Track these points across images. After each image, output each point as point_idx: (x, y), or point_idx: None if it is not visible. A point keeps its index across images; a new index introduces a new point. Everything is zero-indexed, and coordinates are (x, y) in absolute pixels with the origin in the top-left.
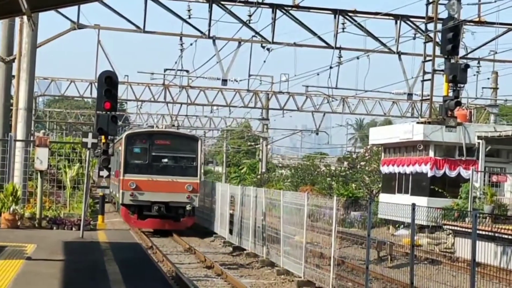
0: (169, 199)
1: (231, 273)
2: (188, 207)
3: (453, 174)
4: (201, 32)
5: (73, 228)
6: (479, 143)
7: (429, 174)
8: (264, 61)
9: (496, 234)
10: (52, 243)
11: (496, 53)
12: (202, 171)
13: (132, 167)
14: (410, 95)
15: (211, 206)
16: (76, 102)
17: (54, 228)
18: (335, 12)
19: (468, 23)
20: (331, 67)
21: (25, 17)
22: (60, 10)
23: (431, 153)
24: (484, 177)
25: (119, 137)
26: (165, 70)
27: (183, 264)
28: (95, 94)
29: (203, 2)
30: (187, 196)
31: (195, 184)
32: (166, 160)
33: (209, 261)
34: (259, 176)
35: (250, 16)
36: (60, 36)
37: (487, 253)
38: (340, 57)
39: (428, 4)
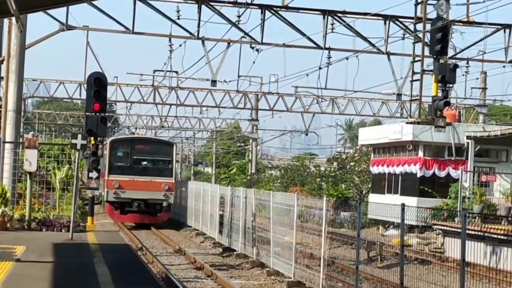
0: (148, 196)
1: (221, 274)
2: (164, 204)
3: (442, 174)
4: (190, 33)
5: (63, 230)
6: (468, 143)
7: (419, 174)
8: (254, 62)
9: (486, 234)
10: (41, 245)
11: (485, 53)
12: (179, 171)
13: (116, 169)
14: (399, 95)
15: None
16: (65, 104)
17: (44, 230)
18: (324, 12)
19: (457, 23)
20: (320, 68)
21: (13, 19)
22: (48, 11)
23: (421, 153)
24: (473, 177)
25: (104, 142)
26: (154, 71)
27: (173, 265)
28: (84, 96)
29: (192, 3)
30: (164, 194)
31: (171, 184)
32: (145, 162)
33: (199, 262)
34: (248, 177)
35: (239, 17)
36: (49, 38)
37: (477, 252)
38: (329, 57)
39: (417, 4)
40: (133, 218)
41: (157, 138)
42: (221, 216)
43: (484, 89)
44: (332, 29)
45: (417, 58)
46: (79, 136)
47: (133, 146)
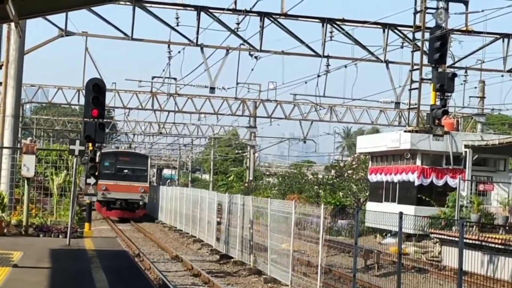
0: (128, 197)
1: (218, 281)
2: (141, 203)
3: (440, 182)
4: (189, 40)
5: (60, 236)
6: (466, 152)
7: (416, 183)
8: (252, 69)
9: (483, 243)
10: (38, 250)
11: (483, 62)
12: (153, 178)
13: (104, 175)
14: (397, 103)
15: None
16: (63, 109)
17: (41, 235)
18: (323, 20)
19: (455, 32)
20: (319, 76)
21: (12, 24)
22: (48, 17)
23: (418, 162)
24: (471, 186)
25: None
26: (153, 77)
27: (170, 272)
28: (82, 101)
29: (191, 10)
30: (140, 195)
31: (146, 187)
32: (126, 170)
33: (196, 269)
34: (246, 184)
35: (238, 24)
36: (48, 43)
37: (474, 261)
38: (328, 65)
39: (415, 13)
40: (116, 213)
41: (135, 152)
42: (218, 223)
43: (482, 98)
44: (331, 37)
45: (415, 67)
46: (77, 142)
47: (117, 158)
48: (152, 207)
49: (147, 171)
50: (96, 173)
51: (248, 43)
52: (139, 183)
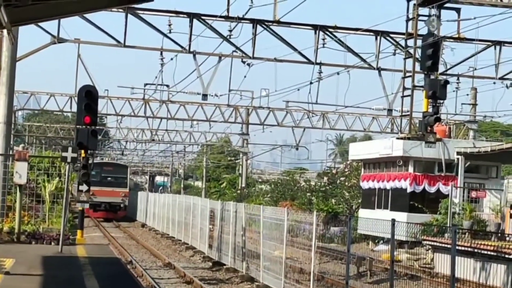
0: (111, 200)
1: None
2: (122, 205)
3: (432, 189)
4: (182, 47)
5: (52, 243)
6: (458, 159)
7: (409, 190)
8: (245, 76)
9: (475, 250)
10: (30, 257)
11: (475, 69)
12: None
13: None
14: (390, 110)
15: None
16: (55, 116)
17: (33, 242)
18: (316, 27)
19: (447, 39)
20: (311, 83)
21: (5, 31)
22: (40, 24)
23: (411, 169)
24: (463, 192)
25: None
26: (145, 84)
27: (163, 279)
28: (75, 108)
29: (183, 17)
30: (121, 199)
31: (126, 192)
32: (109, 178)
33: (188, 276)
34: (239, 191)
35: (230, 31)
36: (40, 50)
37: (466, 268)
38: (320, 72)
39: (408, 20)
40: (101, 214)
41: (117, 162)
42: (211, 230)
43: (474, 105)
44: (324, 44)
45: (408, 74)
46: (70, 149)
47: (102, 167)
48: (132, 209)
49: (127, 179)
50: (89, 180)
51: (241, 50)
52: (120, 188)
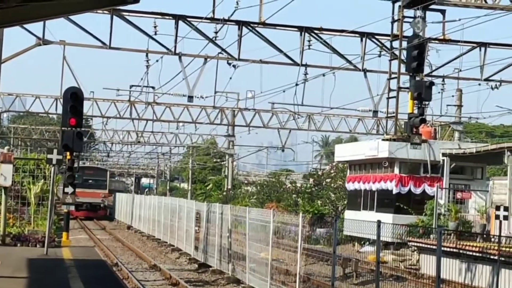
0: (92, 201)
1: None
2: (102, 205)
3: (418, 191)
4: (167, 49)
5: (38, 245)
6: (443, 160)
7: (394, 191)
8: (230, 78)
9: (461, 251)
10: (16, 260)
11: (460, 70)
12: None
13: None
14: (375, 112)
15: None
16: (41, 118)
17: (18, 245)
18: (301, 29)
19: (433, 41)
20: (297, 84)
21: None
22: (25, 25)
23: (396, 170)
24: (449, 194)
25: None
26: (131, 86)
27: (148, 281)
28: (60, 110)
29: (169, 19)
30: (101, 199)
31: (106, 194)
32: (90, 181)
33: (174, 278)
34: (225, 193)
35: (216, 33)
36: (25, 52)
37: (452, 269)
38: (306, 74)
39: (393, 22)
40: (83, 213)
41: (98, 166)
42: (196, 232)
43: (459, 106)
44: (309, 45)
45: (393, 75)
46: (55, 151)
47: (84, 171)
48: (111, 208)
49: (107, 181)
50: (74, 182)
51: (226, 52)
52: (100, 190)
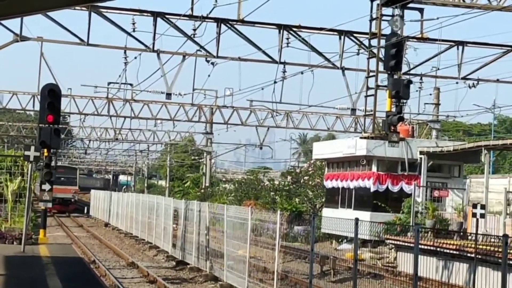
0: (64, 196)
1: None
2: (72, 200)
3: (395, 189)
4: (146, 46)
5: (14, 242)
6: (421, 158)
7: (372, 189)
8: (209, 75)
9: (438, 249)
10: None
11: (438, 69)
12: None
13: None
14: (353, 110)
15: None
16: (18, 115)
17: None
18: (280, 27)
19: (411, 40)
20: (275, 82)
21: None
22: (2, 22)
23: (374, 168)
24: (426, 192)
25: None
26: (109, 83)
27: (126, 278)
28: (37, 107)
29: (147, 16)
30: (72, 195)
31: (76, 190)
32: (62, 178)
33: (152, 276)
34: (202, 190)
35: (195, 30)
36: (2, 48)
37: (429, 267)
38: (284, 71)
39: (371, 20)
40: (56, 208)
41: (68, 165)
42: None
43: (437, 104)
44: (288, 43)
45: (371, 74)
46: (32, 148)
47: (56, 170)
48: (81, 203)
49: (77, 179)
50: (52, 179)
51: (205, 49)
52: (71, 186)
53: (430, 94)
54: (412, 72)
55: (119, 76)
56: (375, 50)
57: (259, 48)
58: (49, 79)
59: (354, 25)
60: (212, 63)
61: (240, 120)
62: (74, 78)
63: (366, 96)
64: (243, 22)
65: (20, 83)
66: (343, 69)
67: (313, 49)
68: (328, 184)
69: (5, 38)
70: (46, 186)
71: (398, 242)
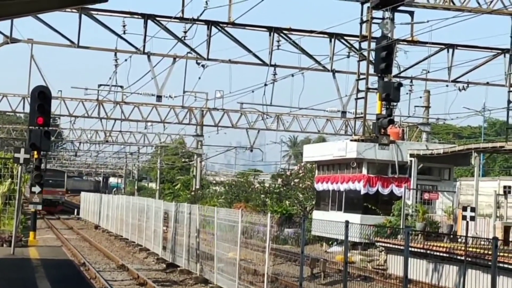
0: (52, 198)
1: None
2: (60, 201)
3: (385, 191)
4: (136, 48)
5: (4, 245)
6: (411, 161)
7: (362, 192)
8: (199, 78)
9: (428, 251)
10: None
11: (428, 72)
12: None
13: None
14: (344, 112)
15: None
16: (8, 117)
17: None
18: (270, 29)
19: (401, 42)
20: (266, 84)
21: None
22: None
23: (364, 171)
24: (416, 194)
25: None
26: (99, 85)
27: (116, 281)
28: (27, 109)
29: (138, 18)
30: (60, 196)
31: (63, 191)
32: (51, 181)
33: (142, 278)
34: (193, 193)
35: (185, 32)
36: None
37: (419, 270)
38: (275, 74)
39: (362, 23)
40: (45, 209)
41: (56, 169)
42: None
43: (427, 107)
44: (278, 46)
45: (362, 76)
46: (22, 150)
47: (45, 173)
48: (69, 205)
49: (64, 181)
50: (42, 181)
51: (195, 52)
52: (59, 188)
53: (420, 97)
54: (402, 75)
55: (110, 78)
56: (365, 53)
57: (249, 51)
58: (39, 81)
59: (345, 28)
60: (203, 66)
61: (230, 122)
62: (65, 80)
63: (357, 99)
64: (233, 24)
65: (10, 85)
66: (333, 71)
67: (304, 51)
68: (319, 186)
69: None
70: (36, 189)
71: (388, 245)
